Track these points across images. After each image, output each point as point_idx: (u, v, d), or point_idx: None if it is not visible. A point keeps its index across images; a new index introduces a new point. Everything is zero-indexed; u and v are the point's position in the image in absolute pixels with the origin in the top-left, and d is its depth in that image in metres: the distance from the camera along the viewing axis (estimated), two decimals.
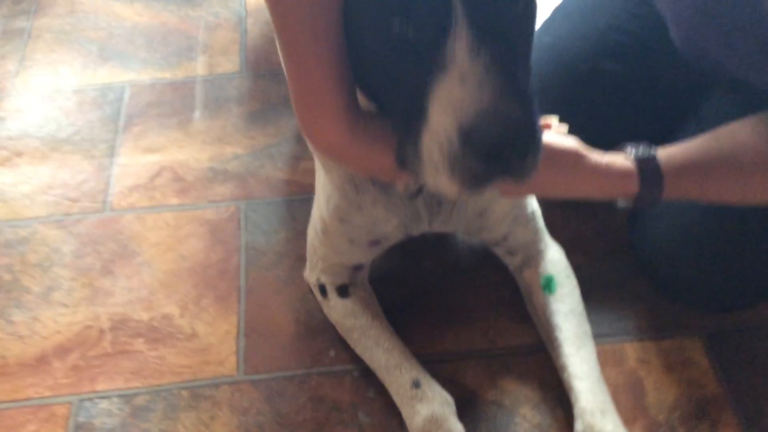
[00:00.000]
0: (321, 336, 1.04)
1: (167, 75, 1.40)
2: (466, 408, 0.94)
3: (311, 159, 1.23)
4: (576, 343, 0.96)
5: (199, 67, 1.41)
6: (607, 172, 0.82)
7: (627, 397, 0.97)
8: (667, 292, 1.06)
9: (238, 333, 1.04)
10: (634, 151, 0.83)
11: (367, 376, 0.99)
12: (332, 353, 1.02)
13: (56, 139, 1.28)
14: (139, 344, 1.04)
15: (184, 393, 0.99)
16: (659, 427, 0.94)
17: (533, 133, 0.64)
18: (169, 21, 1.50)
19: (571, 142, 0.81)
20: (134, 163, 1.25)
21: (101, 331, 1.05)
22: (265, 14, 1.50)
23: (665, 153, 0.83)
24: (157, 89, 1.37)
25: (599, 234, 1.15)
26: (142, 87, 1.37)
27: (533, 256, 1.02)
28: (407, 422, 0.91)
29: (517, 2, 0.66)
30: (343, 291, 1.00)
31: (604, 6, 1.09)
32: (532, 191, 0.87)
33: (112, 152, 1.27)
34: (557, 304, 0.98)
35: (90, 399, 0.98)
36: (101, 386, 0.99)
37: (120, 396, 0.98)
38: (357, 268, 1.01)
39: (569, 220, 1.15)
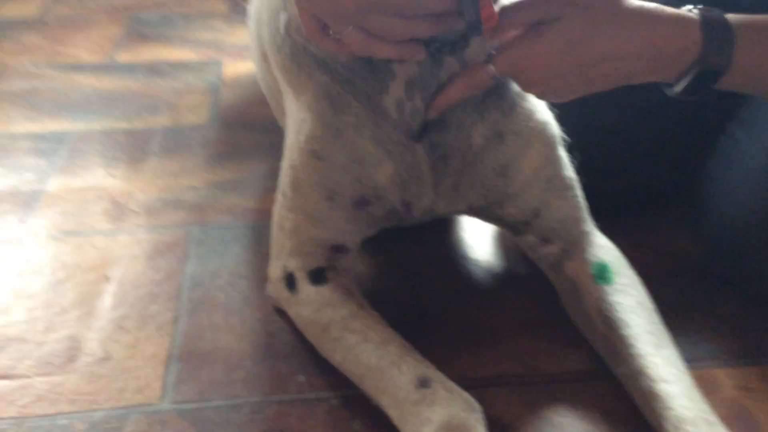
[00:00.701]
0: (286, 360, 0.74)
1: (123, 125, 1.20)
2: None
3: None
4: (653, 341, 0.66)
5: (162, 120, 1.22)
6: (659, 15, 0.60)
7: (738, 431, 0.66)
8: (733, 281, 0.80)
9: (168, 357, 0.74)
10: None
11: (350, 404, 0.68)
12: (301, 378, 0.71)
13: None
14: (25, 367, 0.72)
15: (79, 426, 0.66)
16: None
17: None
18: (133, 86, 1.34)
19: None
20: (63, 193, 1.01)
21: None
22: (241, 83, 1.35)
23: (733, 15, 0.62)
24: (109, 136, 1.16)
25: (655, 257, 0.89)
26: (91, 134, 1.17)
27: (577, 241, 0.75)
28: None
29: None
30: (317, 276, 0.72)
31: None
32: (561, 61, 0.62)
33: (40, 183, 1.03)
34: (619, 296, 0.70)
35: None
36: None
37: None
38: (338, 248, 0.73)
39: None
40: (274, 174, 1.04)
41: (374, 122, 0.67)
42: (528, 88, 0.65)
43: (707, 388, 0.69)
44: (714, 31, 0.60)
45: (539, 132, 0.72)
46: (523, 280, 0.85)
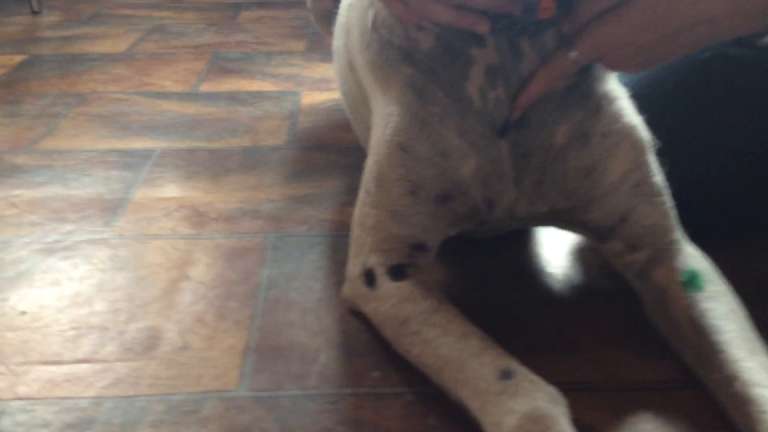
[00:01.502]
0: (362, 357, 0.73)
1: (205, 144, 1.24)
2: None
3: None
4: (746, 347, 0.64)
5: (242, 141, 1.26)
6: None
7: None
8: None
9: (245, 348, 0.74)
10: None
11: (426, 400, 0.67)
12: (376, 374, 0.71)
13: (67, 187, 1.09)
14: (107, 352, 0.74)
15: (157, 407, 0.66)
16: None
17: None
18: (215, 112, 1.39)
19: None
20: (147, 201, 1.04)
21: (60, 332, 0.76)
22: (317, 110, 1.39)
23: None
24: (192, 153, 1.20)
25: (745, 277, 0.85)
26: (176, 151, 1.21)
27: (666, 248, 0.73)
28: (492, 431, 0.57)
29: None
30: (398, 272, 0.71)
31: None
32: (645, 36, 0.61)
33: (126, 192, 1.06)
34: (710, 303, 0.68)
35: (20, 406, 0.66)
36: (37, 393, 0.68)
37: (59, 405, 0.66)
38: (419, 246, 0.73)
39: None
40: (350, 190, 1.06)
41: (459, 113, 0.68)
42: (615, 66, 0.65)
43: None
44: None
45: (627, 134, 0.72)
46: (602, 295, 0.83)
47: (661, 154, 0.75)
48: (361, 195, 0.75)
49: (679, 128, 0.85)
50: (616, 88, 0.73)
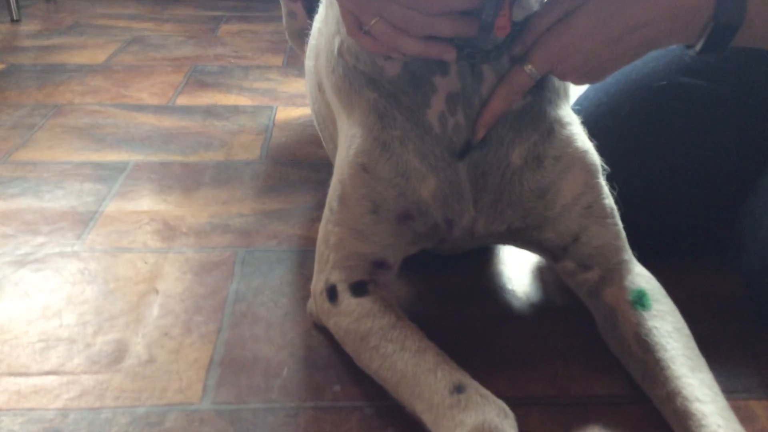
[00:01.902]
0: (324, 371, 0.75)
1: (179, 158, 1.26)
2: None
3: None
4: (688, 364, 0.67)
5: (216, 155, 1.28)
6: None
7: None
8: None
9: (210, 362, 0.76)
10: None
11: (385, 414, 0.69)
12: (337, 388, 0.73)
13: (39, 198, 1.10)
14: (74, 365, 0.75)
15: (122, 419, 0.68)
16: None
17: None
18: (191, 126, 1.41)
19: None
20: (118, 214, 1.06)
21: (29, 344, 0.77)
22: (291, 126, 1.41)
23: None
24: (165, 167, 1.22)
25: (693, 294, 0.89)
26: (149, 164, 1.23)
27: (616, 268, 0.76)
28: None
29: None
30: (359, 288, 0.74)
31: None
32: (592, 41, 0.65)
33: (98, 205, 1.08)
34: (656, 322, 0.71)
35: None
36: (4, 405, 0.69)
37: (26, 417, 0.68)
38: (380, 264, 0.75)
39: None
40: (319, 206, 1.08)
41: (418, 136, 0.71)
42: (566, 76, 0.68)
43: (742, 419, 0.68)
44: None
45: (579, 158, 0.75)
46: (559, 311, 0.86)
47: (613, 176, 0.78)
48: (326, 213, 0.77)
49: (631, 152, 0.88)
50: (569, 114, 0.76)
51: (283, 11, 1.33)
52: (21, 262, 0.93)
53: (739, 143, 0.88)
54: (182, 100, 1.55)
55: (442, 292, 0.89)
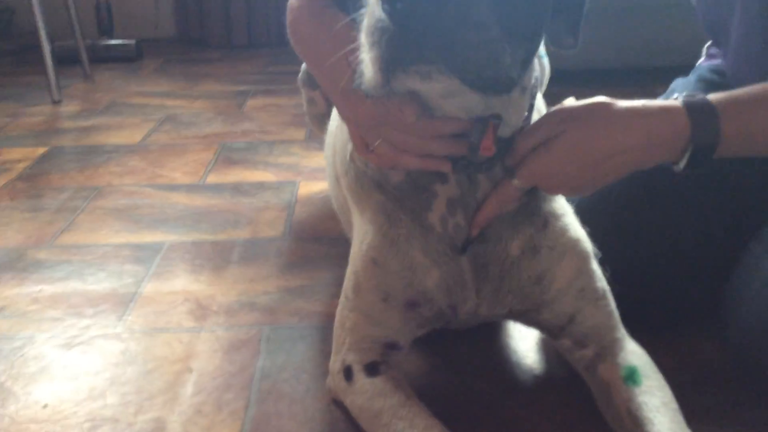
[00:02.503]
0: None
1: (209, 237, 1.36)
2: None
3: None
4: None
5: (243, 233, 1.37)
6: (647, 110, 0.72)
7: None
8: (758, 387, 0.85)
9: None
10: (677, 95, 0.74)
11: None
12: None
13: (82, 280, 1.20)
14: None
15: None
16: None
17: (467, 13, 0.57)
18: (220, 204, 1.51)
19: (595, 97, 0.74)
20: (155, 295, 1.15)
21: (77, 424, 0.86)
22: (312, 201, 1.50)
23: (714, 95, 0.74)
24: (197, 246, 1.32)
25: (682, 364, 0.95)
26: (182, 244, 1.33)
27: (609, 346, 0.83)
28: None
29: None
30: (372, 369, 0.82)
31: None
32: (571, 165, 0.74)
33: (136, 287, 1.18)
34: (645, 397, 0.77)
35: None
36: None
37: None
38: (391, 345, 0.83)
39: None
40: (338, 281, 1.16)
41: (422, 235, 0.79)
42: (552, 191, 0.77)
43: None
44: (698, 113, 0.72)
45: (572, 247, 0.83)
46: (559, 383, 0.92)
47: (605, 253, 0.86)
48: (342, 299, 0.86)
49: (623, 232, 0.96)
50: (562, 206, 0.84)
51: (304, 98, 1.44)
52: (68, 345, 1.02)
53: (723, 222, 0.96)
54: (212, 178, 1.66)
55: (452, 365, 0.96)
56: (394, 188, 0.81)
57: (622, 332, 0.85)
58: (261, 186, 1.61)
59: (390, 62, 0.59)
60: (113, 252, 1.30)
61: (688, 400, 0.79)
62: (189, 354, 1.00)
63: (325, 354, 0.98)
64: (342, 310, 0.85)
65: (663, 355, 0.85)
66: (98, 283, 1.20)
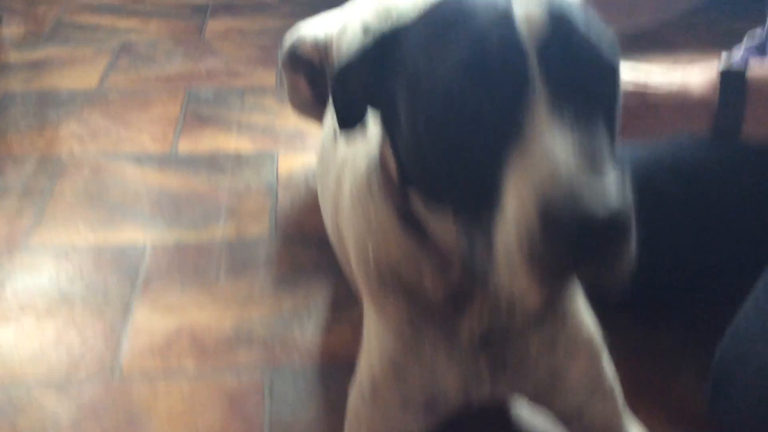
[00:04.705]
0: None
1: (192, 237, 1.32)
2: None
3: (346, 325, 1.13)
4: None
5: (227, 231, 1.33)
6: (681, 105, 0.74)
7: None
8: None
9: None
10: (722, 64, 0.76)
11: None
12: None
13: (66, 298, 1.17)
14: None
15: None
16: None
17: (629, 210, 0.52)
18: (196, 186, 1.45)
19: (628, 75, 0.73)
20: (149, 325, 1.13)
21: None
22: (296, 183, 1.46)
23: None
24: (180, 252, 1.28)
25: (673, 422, 1.00)
26: (165, 249, 1.29)
27: None
28: None
29: (601, 58, 0.57)
30: None
31: None
32: None
33: (126, 312, 1.15)
34: None
35: None
36: None
37: None
38: None
39: (637, 409, 0.99)
40: (331, 303, 1.16)
41: (448, 338, 0.78)
42: None
43: None
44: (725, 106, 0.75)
45: (585, 344, 0.83)
46: None
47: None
48: (357, 392, 0.85)
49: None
50: (578, 305, 0.84)
51: (286, 84, 1.35)
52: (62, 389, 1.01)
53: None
54: (184, 145, 1.58)
55: None
56: (427, 300, 0.78)
57: (628, 418, 0.88)
58: (238, 159, 1.54)
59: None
60: (94, 259, 1.26)
61: None
62: (192, 407, 1.00)
63: (331, 408, 0.99)
64: (357, 408, 0.85)
65: (653, 405, 0.89)
66: (85, 305, 1.16)
